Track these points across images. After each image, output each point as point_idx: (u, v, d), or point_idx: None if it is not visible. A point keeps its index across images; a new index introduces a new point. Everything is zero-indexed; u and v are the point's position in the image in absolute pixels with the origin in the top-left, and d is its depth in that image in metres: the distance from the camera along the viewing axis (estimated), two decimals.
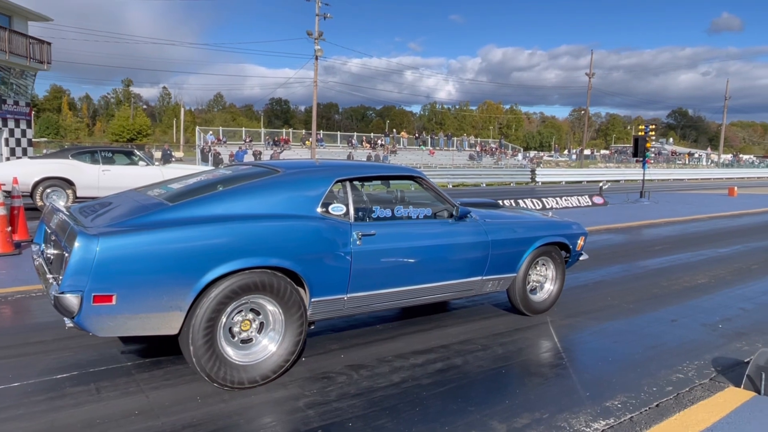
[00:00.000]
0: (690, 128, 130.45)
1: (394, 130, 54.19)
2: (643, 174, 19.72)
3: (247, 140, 37.27)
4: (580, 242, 5.22)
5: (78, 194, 11.29)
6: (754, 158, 76.19)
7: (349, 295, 3.73)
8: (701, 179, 41.55)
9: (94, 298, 2.93)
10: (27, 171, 11.02)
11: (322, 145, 40.30)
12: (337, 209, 3.75)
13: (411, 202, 4.43)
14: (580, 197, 16.21)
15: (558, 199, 14.95)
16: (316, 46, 29.70)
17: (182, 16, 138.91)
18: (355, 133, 48.06)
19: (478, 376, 3.81)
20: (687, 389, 3.77)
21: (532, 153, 65.59)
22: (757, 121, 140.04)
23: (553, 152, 77.95)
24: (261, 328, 3.51)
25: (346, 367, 3.89)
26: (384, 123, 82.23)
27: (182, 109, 61.14)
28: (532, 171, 31.14)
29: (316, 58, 30.13)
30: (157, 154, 27.96)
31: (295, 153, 37.64)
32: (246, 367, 3.41)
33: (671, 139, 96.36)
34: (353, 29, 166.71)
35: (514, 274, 4.69)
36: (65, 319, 3.12)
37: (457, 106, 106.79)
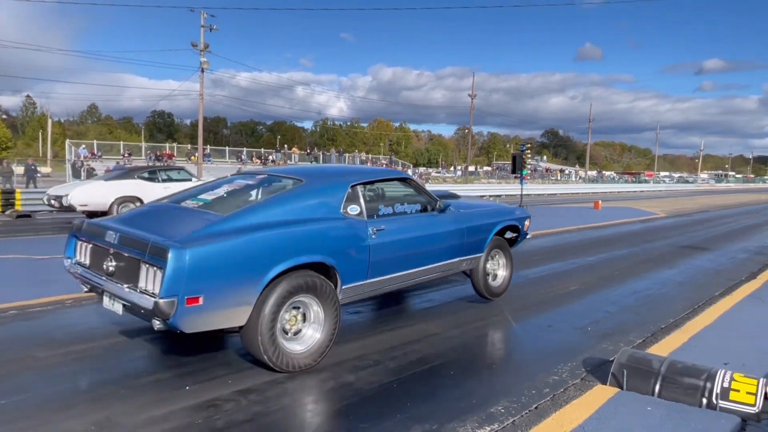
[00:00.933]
0: (561, 147, 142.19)
1: (285, 146, 53.52)
2: (521, 189, 20.76)
3: (126, 155, 34.98)
4: (527, 224, 6.39)
5: None
6: (615, 174, 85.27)
7: (368, 281, 4.55)
8: (571, 194, 45.33)
9: (186, 301, 3.48)
10: (104, 192, 12.76)
11: (209, 161, 38.80)
12: (353, 210, 4.52)
13: (403, 200, 5.07)
14: None
15: None
16: (202, 58, 28.67)
17: (51, 20, 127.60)
18: (245, 149, 46.86)
19: (369, 392, 3.89)
20: (562, 390, 4.05)
21: (421, 169, 67.65)
22: (616, 141, 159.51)
23: (440, 168, 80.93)
24: (304, 320, 4.26)
25: (234, 393, 3.92)
26: (275, 138, 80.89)
27: (49, 120, 56.13)
28: None
29: (202, 71, 29.07)
30: (19, 170, 26.24)
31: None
32: (298, 353, 4.17)
33: (545, 157, 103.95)
34: (243, 43, 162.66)
35: (481, 254, 5.75)
36: (155, 321, 3.62)
37: (349, 123, 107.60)
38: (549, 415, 3.62)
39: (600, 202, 24.60)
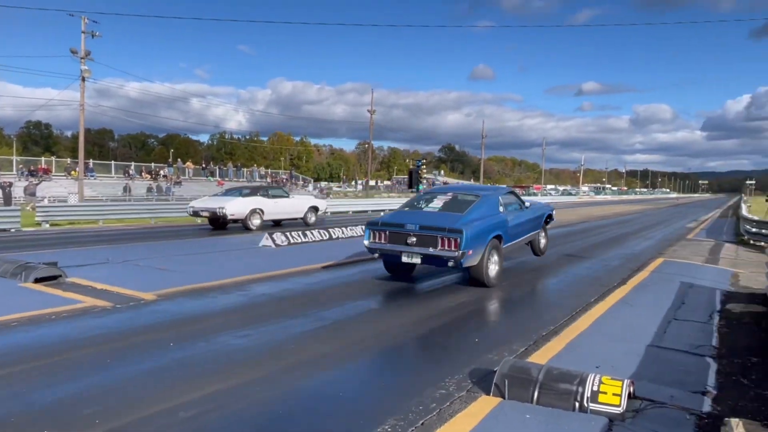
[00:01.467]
0: (457, 161, 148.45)
1: (179, 160, 51.02)
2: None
3: None
4: (554, 213, 11.40)
5: (264, 218, 19.26)
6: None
7: (508, 243, 8.88)
8: None
9: (467, 252, 7.49)
10: (245, 205, 19.38)
11: (92, 176, 36.27)
12: (501, 209, 9.16)
13: (511, 202, 9.83)
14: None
15: (344, 228, 15.30)
16: (83, 65, 26.88)
17: None
18: (134, 163, 44.18)
19: (254, 419, 3.97)
20: (448, 403, 4.15)
21: (323, 184, 67.12)
22: (507, 156, 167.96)
23: (341, 183, 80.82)
24: (495, 260, 8.45)
25: None
26: (168, 152, 77.02)
27: None
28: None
29: (83, 79, 27.24)
30: None
31: (59, 185, 33.47)
32: (492, 277, 8.54)
33: (442, 171, 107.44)
34: (132, 51, 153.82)
35: (540, 230, 10.40)
36: (450, 263, 7.84)
37: (248, 137, 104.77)
38: (434, 430, 3.77)
39: None
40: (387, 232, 8.07)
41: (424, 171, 19.22)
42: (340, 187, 68.46)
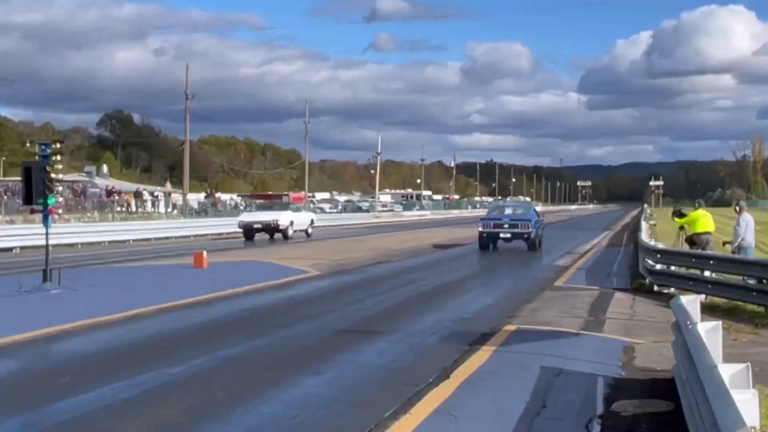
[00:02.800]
0: (138, 145, 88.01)
1: None
2: (47, 236, 13.69)
3: None
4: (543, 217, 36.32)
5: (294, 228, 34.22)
6: (238, 198, 66.16)
7: (538, 230, 27.59)
8: (158, 239, 31.98)
9: (533, 234, 24.57)
10: (299, 216, 32.70)
11: None
12: (538, 215, 30.55)
13: (532, 209, 30.21)
14: None
15: None
16: None
17: None
18: None
19: None
20: None
21: None
22: (238, 137, 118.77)
23: None
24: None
25: None
26: None
27: None
28: None
29: None
30: None
31: None
32: (538, 246, 27.99)
33: (106, 167, 67.71)
34: None
35: (540, 228, 29.60)
36: (521, 239, 24.41)
37: None
38: None
39: (205, 254, 17.12)
40: (492, 222, 25.73)
41: (59, 165, 11.95)
42: None
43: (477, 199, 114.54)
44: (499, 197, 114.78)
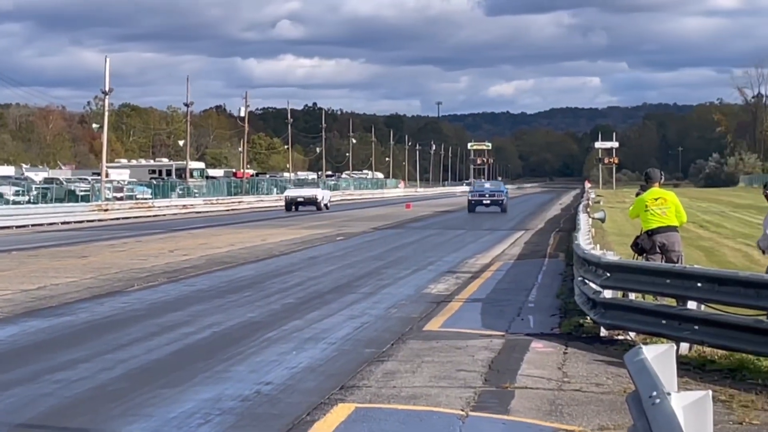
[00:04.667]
0: None
1: None
2: None
3: None
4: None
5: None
6: None
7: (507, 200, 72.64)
8: None
9: (503, 201, 48.69)
10: (327, 193, 59.57)
11: None
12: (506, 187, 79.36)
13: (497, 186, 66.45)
14: None
15: None
16: None
17: None
18: None
19: None
20: None
21: None
22: None
23: None
24: None
25: None
26: None
27: None
28: None
29: None
30: None
31: None
32: (506, 207, 68.55)
33: None
34: None
35: (506, 197, 64.99)
36: (501, 203, 50.07)
37: None
38: None
39: None
40: (477, 192, 50.40)
41: None
42: None
43: (288, 175, 72.38)
44: (329, 173, 74.97)
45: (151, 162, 64.13)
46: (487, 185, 50.89)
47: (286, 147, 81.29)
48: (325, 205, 44.92)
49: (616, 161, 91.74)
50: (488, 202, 44.22)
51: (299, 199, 41.86)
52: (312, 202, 43.69)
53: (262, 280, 14.26)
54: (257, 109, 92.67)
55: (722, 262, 15.04)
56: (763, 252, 8.06)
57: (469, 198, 45.53)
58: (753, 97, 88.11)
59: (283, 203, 46.06)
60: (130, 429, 5.05)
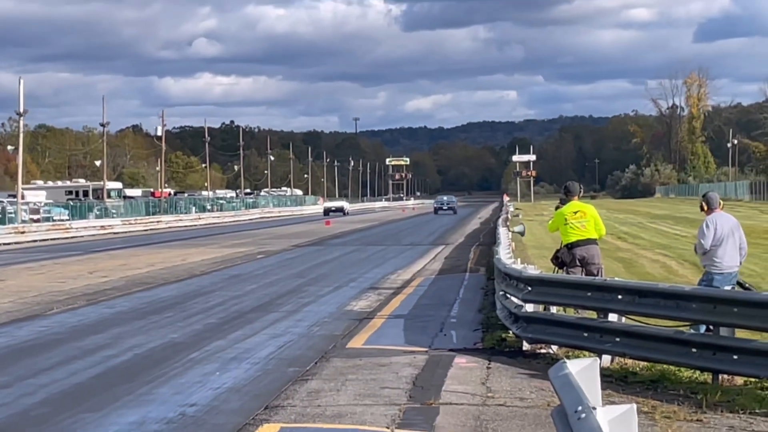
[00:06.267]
0: None
1: None
2: None
3: None
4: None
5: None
6: None
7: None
8: None
9: (456, 207, 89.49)
10: (347, 204, 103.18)
11: None
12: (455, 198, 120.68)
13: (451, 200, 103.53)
14: None
15: None
16: None
17: None
18: None
19: None
20: None
21: None
22: None
23: None
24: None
25: None
26: None
27: None
28: None
29: None
30: None
31: None
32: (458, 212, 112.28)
33: None
34: None
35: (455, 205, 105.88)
36: (454, 211, 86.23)
37: None
38: None
39: None
40: (438, 204, 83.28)
41: None
42: None
43: (206, 193, 72.38)
44: (248, 191, 76.29)
45: (68, 183, 63.74)
46: (445, 198, 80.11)
47: (204, 165, 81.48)
48: (347, 212, 72.77)
49: (534, 174, 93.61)
50: (446, 208, 72.24)
51: (332, 208, 69.90)
52: (341, 210, 71.32)
53: (184, 301, 14.20)
54: (174, 127, 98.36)
55: (641, 273, 15.41)
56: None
57: (435, 206, 75.60)
58: (667, 108, 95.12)
59: (200, 222, 54.35)
60: None
